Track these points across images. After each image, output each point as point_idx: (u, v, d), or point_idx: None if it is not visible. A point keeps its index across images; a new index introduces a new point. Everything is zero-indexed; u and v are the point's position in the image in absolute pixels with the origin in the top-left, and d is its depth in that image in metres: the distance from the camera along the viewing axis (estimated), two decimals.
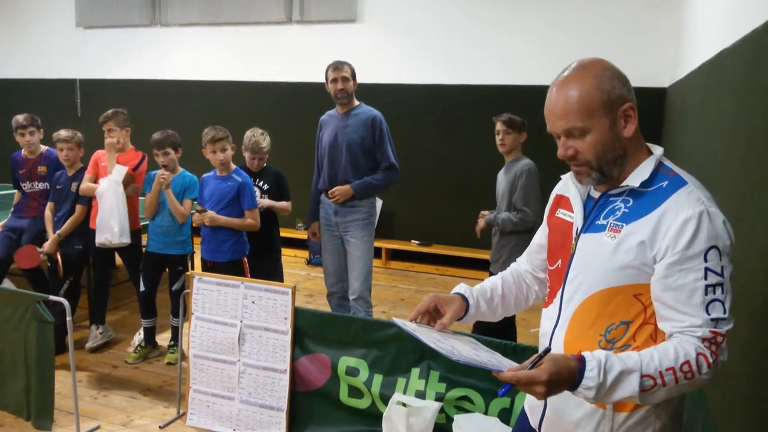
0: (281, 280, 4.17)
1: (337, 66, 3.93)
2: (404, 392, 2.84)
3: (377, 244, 4.99)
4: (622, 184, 1.41)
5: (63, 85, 8.26)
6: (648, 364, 1.24)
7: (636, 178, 1.39)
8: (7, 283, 4.45)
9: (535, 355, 1.26)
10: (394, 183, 4.08)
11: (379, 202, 5.98)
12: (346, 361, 2.99)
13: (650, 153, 1.43)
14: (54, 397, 3.13)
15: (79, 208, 4.19)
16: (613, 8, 5.95)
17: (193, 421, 3.30)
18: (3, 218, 4.69)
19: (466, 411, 2.73)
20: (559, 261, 1.52)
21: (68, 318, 3.00)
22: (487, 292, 1.67)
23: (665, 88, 5.77)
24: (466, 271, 6.49)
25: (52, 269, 4.22)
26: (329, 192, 4.00)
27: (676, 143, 4.70)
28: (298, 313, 3.08)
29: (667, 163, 1.43)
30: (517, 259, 1.80)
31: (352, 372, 2.97)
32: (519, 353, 2.56)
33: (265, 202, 4.05)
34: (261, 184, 4.11)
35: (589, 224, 1.45)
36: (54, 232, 4.16)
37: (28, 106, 6.16)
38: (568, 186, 1.56)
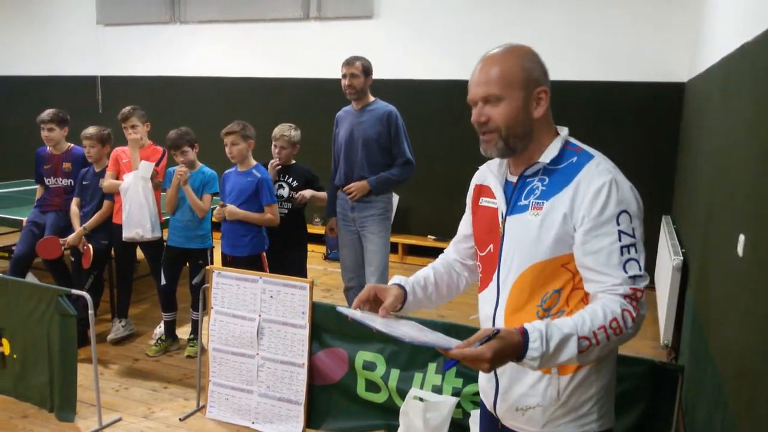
0: (305, 275, 4.20)
1: (348, 62, 3.94)
2: (421, 387, 2.86)
3: (393, 239, 5.00)
4: (535, 162, 1.53)
5: (84, 82, 8.35)
6: (582, 326, 1.35)
7: (547, 155, 1.52)
8: (31, 278, 4.52)
9: (485, 335, 1.30)
10: (410, 178, 4.09)
11: (395, 198, 5.98)
12: (363, 356, 3.02)
13: (557, 134, 1.56)
14: (76, 389, 3.20)
15: (106, 203, 4.25)
16: (630, 2, 5.88)
17: (213, 414, 3.35)
18: (26, 213, 4.77)
19: None
20: (491, 246, 1.61)
21: (90, 311, 3.06)
22: (421, 280, 1.76)
23: (684, 83, 5.69)
24: None
25: (75, 264, 4.29)
26: (345, 188, 4.02)
27: (695, 139, 4.64)
28: (315, 308, 3.11)
29: (573, 140, 1.56)
30: (445, 250, 1.91)
31: (370, 366, 2.99)
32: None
33: (308, 192, 4.08)
34: (289, 180, 4.13)
35: (513, 206, 1.55)
36: (80, 227, 4.22)
37: (48, 103, 6.22)
38: (486, 175, 1.68)
